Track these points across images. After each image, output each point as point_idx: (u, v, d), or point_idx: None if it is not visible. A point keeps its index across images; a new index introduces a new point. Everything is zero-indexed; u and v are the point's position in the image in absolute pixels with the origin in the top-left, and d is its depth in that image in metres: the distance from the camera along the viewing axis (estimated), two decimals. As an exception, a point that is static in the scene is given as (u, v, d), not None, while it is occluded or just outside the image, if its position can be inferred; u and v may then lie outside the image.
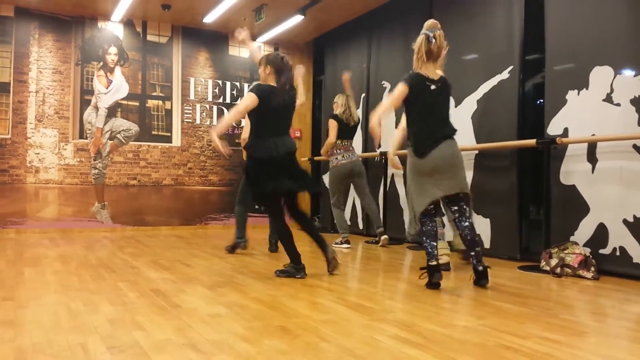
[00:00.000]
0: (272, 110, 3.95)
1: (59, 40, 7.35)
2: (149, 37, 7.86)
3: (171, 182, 7.90)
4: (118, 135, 7.62)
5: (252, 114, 3.98)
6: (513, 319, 2.78)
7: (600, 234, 4.28)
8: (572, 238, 4.43)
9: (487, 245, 5.26)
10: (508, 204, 5.06)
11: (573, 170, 4.52)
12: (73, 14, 7.40)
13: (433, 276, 3.56)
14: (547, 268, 4.24)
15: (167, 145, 7.89)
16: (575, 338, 2.47)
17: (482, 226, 5.30)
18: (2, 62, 7.03)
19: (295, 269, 4.02)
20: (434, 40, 3.53)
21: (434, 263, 3.56)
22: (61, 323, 2.59)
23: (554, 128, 4.67)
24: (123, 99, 7.68)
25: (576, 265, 4.09)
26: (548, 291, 3.65)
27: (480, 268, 3.62)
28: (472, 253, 3.62)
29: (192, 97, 8.08)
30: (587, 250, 4.21)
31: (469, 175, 5.43)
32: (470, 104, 5.52)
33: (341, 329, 2.54)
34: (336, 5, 7.02)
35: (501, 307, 3.07)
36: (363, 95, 7.39)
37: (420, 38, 3.57)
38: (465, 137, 5.52)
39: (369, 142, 7.26)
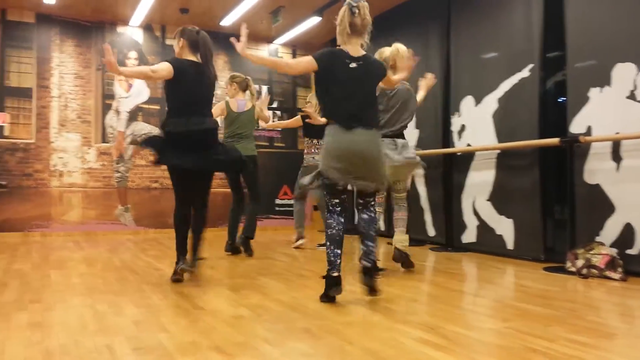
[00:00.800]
0: (186, 86, 3.72)
1: (80, 46, 7.45)
2: (168, 41, 7.93)
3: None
4: (139, 139, 7.70)
5: (168, 87, 3.77)
6: (539, 321, 2.74)
7: (627, 234, 4.21)
8: (597, 238, 4.36)
9: (510, 246, 5.21)
10: (531, 204, 5.00)
11: (597, 169, 4.45)
12: (93, 19, 7.49)
13: (330, 289, 3.11)
14: (573, 269, 4.18)
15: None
16: (603, 340, 2.42)
17: (505, 227, 5.25)
18: (25, 68, 7.14)
19: (176, 269, 3.79)
20: (357, 12, 3.13)
21: (335, 274, 3.11)
22: (87, 325, 2.62)
23: (576, 126, 4.61)
24: (144, 102, 7.75)
25: (603, 266, 4.03)
26: (574, 293, 3.60)
27: (366, 263, 3.19)
28: (363, 247, 3.24)
29: (211, 99, 8.12)
30: (614, 251, 4.14)
31: (491, 175, 5.40)
32: (491, 102, 5.48)
33: (365, 331, 2.53)
34: (354, 6, 6.99)
35: (526, 309, 3.03)
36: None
37: (343, 9, 3.17)
38: (486, 136, 5.48)
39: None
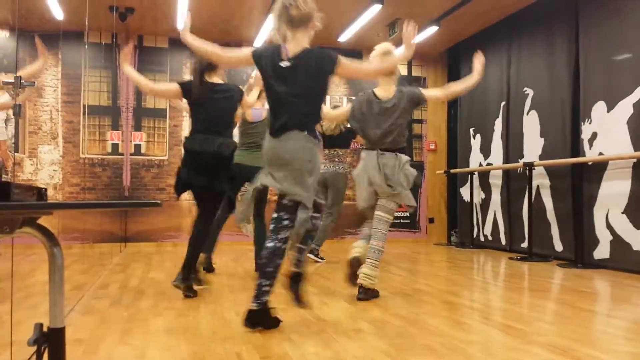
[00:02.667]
0: (193, 106, 3.85)
1: (208, 67, 7.92)
2: (288, 59, 8.21)
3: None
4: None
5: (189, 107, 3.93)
6: (686, 346, 2.50)
7: None
8: None
9: (649, 262, 4.79)
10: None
11: None
12: (220, 41, 7.82)
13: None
14: None
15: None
16: None
17: (643, 242, 4.84)
18: (160, 90, 7.73)
19: (180, 276, 3.73)
20: (290, 3, 2.81)
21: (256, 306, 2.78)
22: (217, 332, 2.77)
23: None
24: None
25: None
26: None
27: (295, 269, 2.97)
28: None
29: (328, 114, 8.29)
30: None
31: (627, 186, 5.02)
32: (625, 108, 5.10)
33: (489, 351, 2.45)
34: (472, 14, 6.85)
35: (670, 332, 2.78)
36: (503, 103, 7.11)
37: (275, 6, 2.89)
38: (621, 144, 5.11)
39: (510, 153, 6.96)
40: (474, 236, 7.62)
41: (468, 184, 7.70)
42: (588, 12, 5.65)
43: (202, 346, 2.50)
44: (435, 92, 3.98)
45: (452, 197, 8.46)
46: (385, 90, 3.79)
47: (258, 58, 2.90)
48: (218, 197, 3.91)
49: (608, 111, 5.30)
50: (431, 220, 8.56)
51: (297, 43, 2.85)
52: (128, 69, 3.87)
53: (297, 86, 2.80)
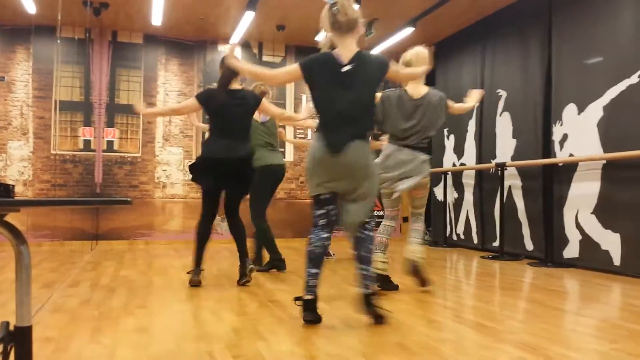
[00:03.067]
0: (212, 112, 4.09)
1: (183, 64, 7.87)
2: (265, 57, 8.20)
3: (284, 196, 8.14)
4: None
5: (208, 115, 4.19)
6: (651, 344, 2.56)
7: None
8: None
9: (617, 262, 4.90)
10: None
11: None
12: (196, 39, 7.89)
13: (303, 313, 2.89)
14: (689, 289, 3.87)
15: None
16: None
17: (612, 241, 4.95)
18: (133, 86, 7.64)
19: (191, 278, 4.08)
20: (337, 7, 2.84)
21: (310, 297, 2.88)
22: (190, 331, 2.75)
23: (693, 135, 4.27)
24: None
25: None
26: (691, 314, 3.33)
27: (367, 291, 2.91)
28: (357, 271, 2.97)
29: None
30: None
31: (596, 187, 5.12)
32: (595, 110, 5.20)
33: (460, 349, 2.47)
34: (448, 15, 6.92)
35: (636, 329, 2.84)
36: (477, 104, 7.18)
37: (322, 13, 2.91)
38: (590, 146, 5.21)
39: (483, 154, 7.05)
40: (447, 235, 7.70)
41: (442, 183, 7.78)
42: (561, 16, 5.75)
43: (174, 345, 2.48)
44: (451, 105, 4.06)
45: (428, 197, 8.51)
46: (416, 89, 3.90)
47: (309, 69, 2.93)
48: (242, 197, 4.27)
49: (579, 113, 5.40)
50: (405, 219, 8.61)
51: (347, 48, 2.88)
52: (149, 112, 4.48)
53: (357, 92, 2.85)
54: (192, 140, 7.85)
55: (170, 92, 7.78)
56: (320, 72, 2.89)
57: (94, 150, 7.46)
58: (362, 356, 2.33)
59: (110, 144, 7.53)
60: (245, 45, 8.12)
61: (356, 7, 2.91)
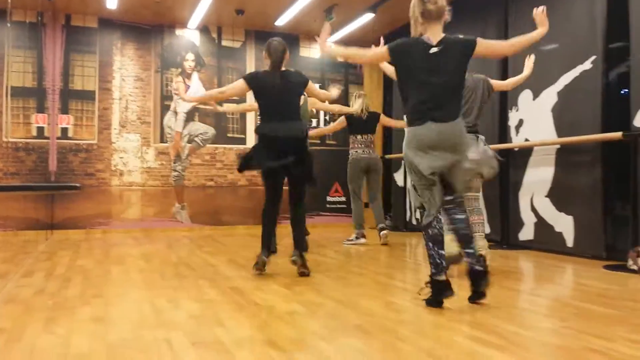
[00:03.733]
0: (262, 94, 4.05)
1: (140, 49, 7.69)
2: (224, 42, 8.09)
3: (246, 183, 8.09)
4: (196, 139, 7.89)
5: (255, 98, 4.10)
6: (599, 320, 2.65)
7: (695, 232, 4.01)
8: (663, 236, 4.18)
9: (570, 244, 5.05)
10: (592, 201, 4.83)
11: (663, 164, 4.25)
12: (152, 23, 7.72)
13: (441, 294, 2.91)
14: (635, 267, 4.02)
15: (241, 146, 8.08)
16: (668, 342, 2.33)
17: (565, 224, 5.09)
18: (88, 72, 7.44)
19: (256, 261, 4.04)
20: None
21: (443, 278, 2.92)
22: (147, 319, 2.71)
23: (641, 120, 4.42)
24: (200, 103, 7.93)
25: (668, 265, 3.85)
26: (635, 292, 3.46)
27: (479, 268, 2.96)
28: (469, 250, 3.00)
29: (265, 98, 8.23)
30: (680, 249, 3.96)
31: (550, 171, 5.25)
32: (549, 96, 5.32)
33: (417, 329, 2.51)
34: (408, 1, 6.92)
35: (586, 308, 2.94)
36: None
37: (412, 1, 3.14)
38: (545, 131, 5.33)
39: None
40: (407, 220, 7.79)
41: (401, 169, 7.85)
42: (518, 3, 5.84)
43: (131, 333, 2.45)
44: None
45: (387, 182, 8.59)
46: None
47: (398, 52, 3.10)
48: (303, 180, 4.16)
49: (534, 99, 5.52)
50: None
51: (434, 34, 3.03)
52: (193, 98, 4.76)
53: (447, 74, 2.98)
54: (149, 127, 7.70)
55: (127, 77, 7.61)
56: (409, 56, 3.05)
57: (47, 138, 7.24)
58: (321, 339, 2.34)
59: (64, 130, 7.32)
60: (204, 30, 7.99)
61: None
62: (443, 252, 2.93)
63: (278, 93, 4.00)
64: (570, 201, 5.05)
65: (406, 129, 3.12)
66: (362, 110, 6.11)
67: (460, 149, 2.99)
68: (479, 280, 2.95)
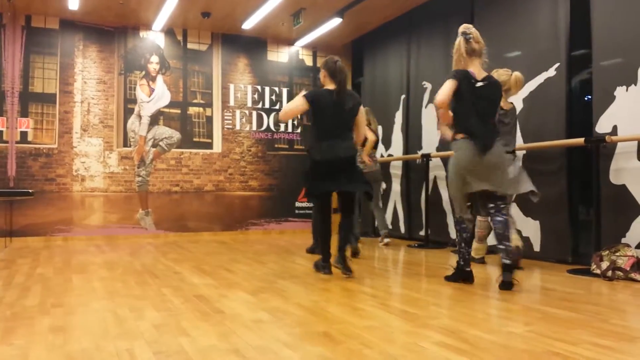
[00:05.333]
0: (323, 114, 4.12)
1: (103, 51, 7.54)
2: (190, 45, 7.99)
3: (212, 188, 7.99)
4: (160, 143, 7.76)
5: (311, 117, 4.21)
6: (562, 324, 2.69)
7: (654, 236, 4.11)
8: (623, 240, 4.27)
9: (536, 248, 5.13)
10: (557, 206, 4.92)
11: (623, 169, 4.36)
12: (116, 24, 7.58)
13: (460, 278, 3.86)
14: (598, 271, 4.10)
15: (208, 151, 7.99)
16: (627, 344, 2.37)
17: (532, 228, 5.17)
18: (49, 74, 7.25)
19: (322, 266, 4.25)
20: (471, 37, 3.67)
21: (467, 269, 3.84)
22: (109, 329, 2.63)
23: (602, 126, 4.52)
24: (165, 107, 7.82)
25: (628, 268, 3.94)
26: (599, 295, 3.53)
27: (508, 261, 3.58)
28: (501, 246, 3.62)
29: (232, 103, 8.16)
30: (640, 253, 4.05)
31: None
32: (516, 103, 5.37)
33: (384, 335, 2.50)
34: (374, 7, 6.98)
35: (550, 312, 2.97)
36: (403, 96, 7.32)
37: (458, 39, 3.72)
38: (509, 137, 5.40)
39: (410, 145, 7.18)
40: (376, 225, 7.80)
41: (370, 174, 7.86)
42: (483, 11, 5.93)
43: (91, 344, 2.37)
44: None
45: (364, 187, 8.59)
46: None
47: (460, 81, 3.60)
48: (354, 196, 4.39)
49: (498, 105, 5.58)
50: (335, 211, 8.66)
51: (477, 69, 3.68)
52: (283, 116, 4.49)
53: (484, 106, 3.65)
54: (112, 131, 7.54)
55: (89, 79, 7.44)
56: (465, 85, 3.60)
57: (6, 142, 7.02)
58: (287, 347, 2.31)
59: (24, 134, 7.12)
60: (169, 32, 7.88)
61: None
62: (469, 249, 3.85)
63: (339, 113, 4.12)
64: (537, 206, 5.12)
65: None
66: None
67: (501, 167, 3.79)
68: (505, 272, 3.57)
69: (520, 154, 5.30)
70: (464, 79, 3.61)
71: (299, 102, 4.15)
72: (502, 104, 4.45)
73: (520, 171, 4.45)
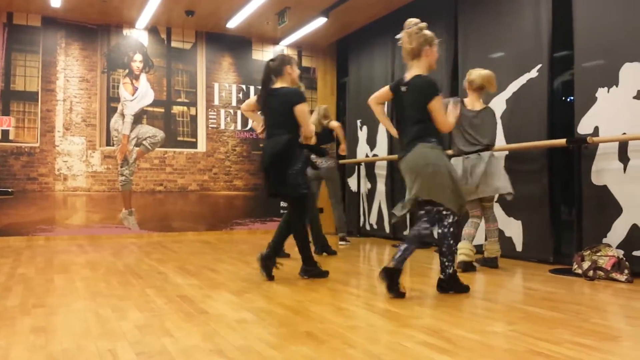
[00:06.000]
0: (262, 112, 4.25)
1: (85, 49, 7.46)
2: (174, 44, 7.94)
3: (197, 188, 7.95)
4: (144, 142, 7.71)
5: None
6: (544, 324, 2.71)
7: (634, 235, 4.17)
8: (604, 240, 4.32)
9: (519, 248, 5.17)
10: (539, 206, 4.96)
11: (604, 170, 4.41)
12: (99, 22, 7.51)
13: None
14: (580, 271, 4.14)
15: (192, 151, 7.95)
16: (608, 343, 2.40)
17: (514, 229, 5.21)
18: (31, 72, 7.17)
19: (308, 270, 4.13)
20: (399, 41, 3.55)
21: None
22: (91, 329, 2.61)
23: (584, 127, 4.57)
24: (148, 105, 7.76)
25: (609, 268, 3.99)
26: (580, 295, 3.57)
27: (441, 276, 3.53)
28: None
29: (216, 102, 8.13)
30: (620, 253, 4.11)
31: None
32: (499, 104, 5.43)
33: (368, 335, 2.51)
34: (359, 7, 6.99)
35: (532, 311, 3.00)
36: (387, 97, 7.33)
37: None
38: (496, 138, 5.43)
39: (394, 145, 7.20)
40: (361, 225, 7.83)
41: (355, 174, 7.89)
42: (466, 12, 5.96)
43: (73, 344, 2.35)
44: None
45: (341, 187, 8.61)
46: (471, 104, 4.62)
47: (390, 87, 3.66)
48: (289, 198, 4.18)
49: (484, 106, 5.62)
50: (320, 210, 8.66)
51: (410, 72, 3.50)
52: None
53: (406, 108, 3.49)
54: (95, 130, 7.47)
55: (72, 77, 7.36)
56: (392, 90, 3.64)
57: (-13, 140, 6.93)
58: (270, 347, 2.30)
59: (5, 133, 7.02)
60: (153, 30, 7.82)
61: (420, 35, 3.48)
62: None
63: (269, 109, 4.12)
64: (519, 206, 5.17)
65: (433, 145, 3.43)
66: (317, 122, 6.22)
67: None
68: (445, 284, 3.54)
69: (502, 154, 5.34)
70: (394, 84, 3.62)
71: (252, 100, 4.35)
72: (473, 104, 4.57)
73: (491, 173, 4.46)
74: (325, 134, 6.22)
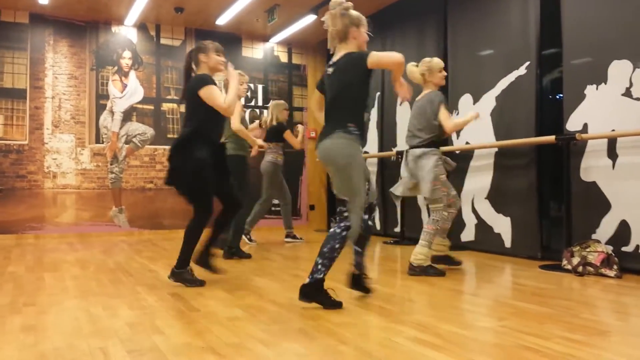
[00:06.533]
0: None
1: (74, 46, 7.41)
2: (163, 41, 7.90)
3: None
4: (134, 139, 7.67)
5: None
6: (534, 319, 2.74)
7: (623, 232, 4.21)
8: (593, 236, 4.36)
9: (508, 244, 5.20)
10: (528, 202, 5.00)
11: (593, 167, 4.45)
12: (87, 19, 7.46)
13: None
14: (569, 267, 4.18)
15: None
16: (597, 338, 2.42)
17: (503, 225, 5.25)
18: (18, 69, 7.11)
19: (191, 276, 3.73)
20: (324, 23, 3.20)
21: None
22: (81, 328, 2.60)
23: (573, 124, 4.60)
24: (138, 102, 7.72)
25: (598, 264, 4.03)
26: (570, 290, 3.60)
27: (308, 279, 3.02)
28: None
29: (206, 99, 8.08)
30: (610, 248, 4.15)
31: (489, 174, 5.40)
32: (488, 101, 5.47)
33: (359, 331, 2.52)
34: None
35: (522, 307, 3.02)
36: (378, 93, 7.35)
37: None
38: (485, 134, 5.47)
39: (384, 142, 7.22)
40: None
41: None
42: (456, 10, 5.98)
43: (64, 342, 2.34)
44: None
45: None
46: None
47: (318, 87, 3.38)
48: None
49: (474, 103, 5.65)
50: (312, 207, 8.69)
51: (337, 54, 3.17)
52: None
53: (333, 90, 3.12)
54: (84, 127, 7.42)
55: (60, 75, 7.31)
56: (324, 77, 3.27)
57: (-26, 138, 6.87)
58: (262, 344, 2.31)
59: (-7, 130, 6.97)
60: (142, 27, 7.78)
61: (345, 15, 3.17)
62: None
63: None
64: (508, 203, 5.21)
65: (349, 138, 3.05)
66: (267, 121, 6.25)
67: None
68: (353, 283, 3.32)
69: (492, 151, 5.38)
70: (319, 80, 3.39)
71: None
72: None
73: (419, 175, 4.24)
74: (273, 130, 6.15)
